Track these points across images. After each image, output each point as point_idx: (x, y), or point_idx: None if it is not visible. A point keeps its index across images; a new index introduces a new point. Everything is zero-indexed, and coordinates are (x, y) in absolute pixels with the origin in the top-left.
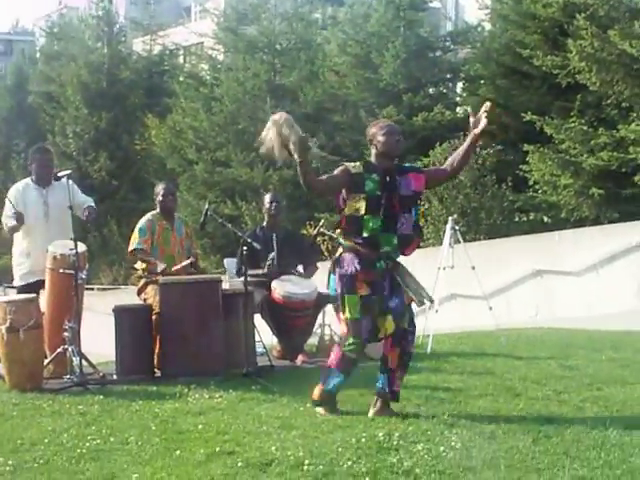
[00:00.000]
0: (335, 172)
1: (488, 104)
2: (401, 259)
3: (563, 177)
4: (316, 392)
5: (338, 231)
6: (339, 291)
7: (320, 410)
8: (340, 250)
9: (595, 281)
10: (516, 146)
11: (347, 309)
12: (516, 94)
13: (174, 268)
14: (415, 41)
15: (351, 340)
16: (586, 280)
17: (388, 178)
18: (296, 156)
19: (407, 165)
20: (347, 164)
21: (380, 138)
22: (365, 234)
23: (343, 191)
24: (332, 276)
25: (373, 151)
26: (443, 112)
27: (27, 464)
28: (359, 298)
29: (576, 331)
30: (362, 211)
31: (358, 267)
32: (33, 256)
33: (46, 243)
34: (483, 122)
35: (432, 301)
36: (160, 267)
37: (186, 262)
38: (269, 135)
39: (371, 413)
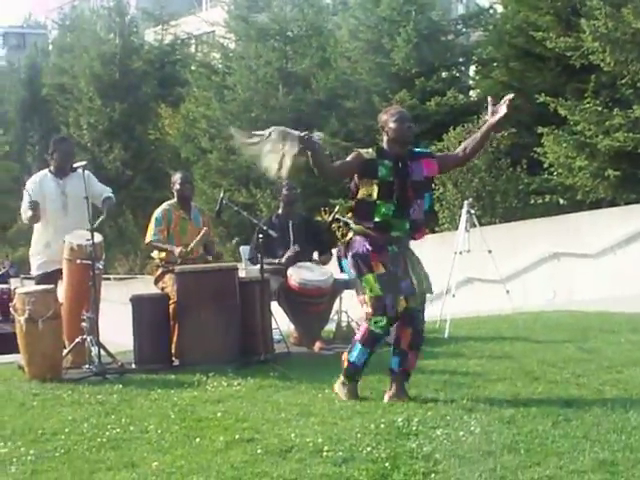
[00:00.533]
0: (348, 158)
1: (511, 96)
2: (413, 244)
3: (578, 159)
4: (343, 358)
5: (349, 215)
6: (355, 272)
7: (339, 384)
8: (350, 234)
9: (612, 263)
10: (530, 129)
11: (368, 288)
12: (529, 76)
13: (190, 246)
14: (426, 25)
15: (378, 318)
16: (603, 262)
17: (400, 164)
18: (308, 153)
19: (419, 150)
20: (360, 150)
21: (391, 125)
22: (377, 219)
23: (355, 176)
24: (344, 260)
25: (385, 137)
26: (456, 96)
27: (48, 453)
28: (377, 276)
29: (594, 313)
30: (374, 196)
31: (369, 247)
32: (52, 246)
33: (65, 233)
34: (502, 112)
35: (431, 293)
36: (176, 251)
37: (201, 234)
38: (266, 148)
39: (386, 398)
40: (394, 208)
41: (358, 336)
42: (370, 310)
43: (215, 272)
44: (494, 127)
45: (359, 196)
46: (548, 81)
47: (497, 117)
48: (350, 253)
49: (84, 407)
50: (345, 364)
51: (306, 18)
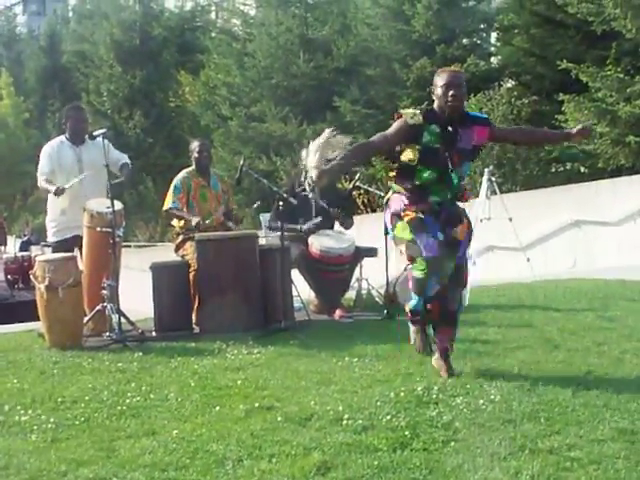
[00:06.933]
0: (392, 129)
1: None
2: None
3: (599, 126)
4: (406, 310)
5: (392, 174)
6: (391, 227)
7: (412, 329)
8: (389, 194)
9: (633, 231)
10: (551, 96)
11: (400, 236)
12: (551, 43)
13: (207, 220)
14: None
15: (418, 261)
16: (624, 230)
17: (450, 128)
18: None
19: (474, 114)
20: (405, 113)
21: (438, 91)
22: (417, 182)
23: None
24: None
25: (436, 101)
26: (477, 63)
27: (68, 421)
28: (407, 222)
29: (615, 282)
30: (415, 162)
31: (406, 201)
32: (68, 213)
33: (81, 200)
34: (584, 135)
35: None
36: (194, 221)
37: (219, 212)
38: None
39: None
40: (436, 174)
41: (409, 284)
42: (407, 256)
43: (235, 239)
44: (568, 137)
45: (402, 159)
46: (569, 48)
47: (579, 136)
48: (388, 211)
49: (104, 375)
50: (408, 315)
51: None
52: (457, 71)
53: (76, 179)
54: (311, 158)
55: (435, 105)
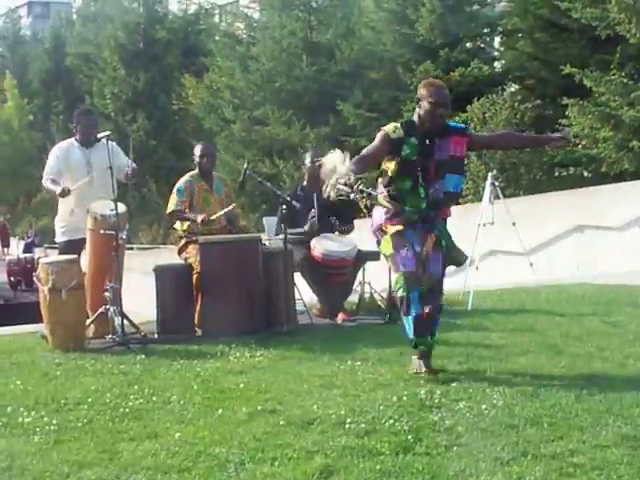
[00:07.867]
0: (375, 142)
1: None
2: None
3: (603, 130)
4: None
5: (380, 180)
6: (377, 241)
7: (414, 358)
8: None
9: (637, 236)
10: (555, 101)
11: (384, 250)
12: (554, 47)
13: (213, 216)
14: None
15: (396, 277)
16: (628, 235)
17: (428, 141)
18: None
19: (453, 125)
20: (387, 128)
21: (425, 106)
22: (392, 191)
23: None
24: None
25: (418, 110)
26: (480, 67)
27: (71, 423)
28: (390, 235)
29: (618, 287)
30: (391, 172)
31: (384, 216)
32: (76, 214)
33: (89, 202)
34: (563, 144)
35: (466, 258)
36: (199, 218)
37: (227, 209)
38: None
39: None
40: (410, 185)
41: (401, 309)
42: (392, 270)
43: (239, 243)
44: (550, 142)
45: (382, 167)
46: (573, 53)
47: (560, 144)
48: (372, 225)
49: (107, 377)
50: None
51: None
52: (443, 87)
53: (81, 182)
54: (329, 176)
55: (416, 115)
